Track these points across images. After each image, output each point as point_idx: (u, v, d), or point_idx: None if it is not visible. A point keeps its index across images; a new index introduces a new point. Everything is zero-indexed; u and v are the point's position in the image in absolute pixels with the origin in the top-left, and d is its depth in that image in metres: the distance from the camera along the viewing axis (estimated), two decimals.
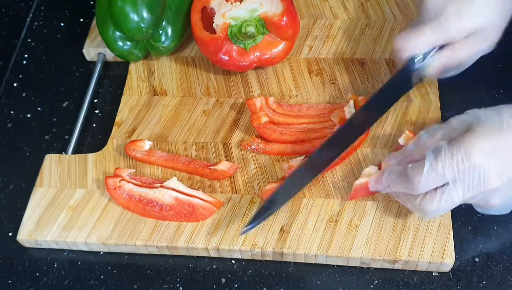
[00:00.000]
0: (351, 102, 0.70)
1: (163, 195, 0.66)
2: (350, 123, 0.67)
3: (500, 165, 0.56)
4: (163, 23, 0.76)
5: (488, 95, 0.74)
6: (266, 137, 0.71)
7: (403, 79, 0.66)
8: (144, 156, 0.71)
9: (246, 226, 0.62)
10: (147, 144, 0.72)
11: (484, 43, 0.64)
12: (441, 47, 0.64)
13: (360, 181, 0.64)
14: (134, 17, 0.72)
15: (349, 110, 0.70)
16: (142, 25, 0.72)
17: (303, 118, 0.72)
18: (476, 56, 0.65)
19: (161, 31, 0.76)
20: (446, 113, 0.71)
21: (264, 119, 0.71)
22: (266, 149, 0.70)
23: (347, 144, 0.66)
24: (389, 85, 0.67)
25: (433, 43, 0.63)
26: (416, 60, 0.64)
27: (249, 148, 0.70)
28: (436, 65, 0.64)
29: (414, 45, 0.63)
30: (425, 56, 0.64)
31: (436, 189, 0.58)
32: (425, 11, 0.64)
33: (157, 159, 0.71)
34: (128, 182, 0.68)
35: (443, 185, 0.57)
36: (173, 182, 0.67)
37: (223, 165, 0.69)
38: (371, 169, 0.65)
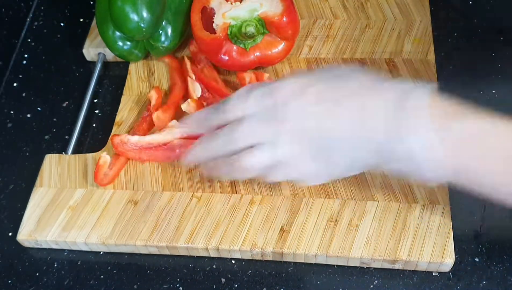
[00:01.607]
0: None
1: (172, 136, 0.69)
2: None
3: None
4: (163, 23, 0.76)
5: (488, 95, 0.74)
6: None
7: None
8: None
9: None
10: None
11: None
12: None
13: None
14: (134, 17, 0.72)
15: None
16: (142, 25, 0.72)
17: None
18: None
19: (161, 31, 0.76)
20: None
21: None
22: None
23: None
24: None
25: None
26: None
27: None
28: None
29: None
30: None
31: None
32: None
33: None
34: (133, 134, 0.71)
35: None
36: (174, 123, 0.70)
37: None
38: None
